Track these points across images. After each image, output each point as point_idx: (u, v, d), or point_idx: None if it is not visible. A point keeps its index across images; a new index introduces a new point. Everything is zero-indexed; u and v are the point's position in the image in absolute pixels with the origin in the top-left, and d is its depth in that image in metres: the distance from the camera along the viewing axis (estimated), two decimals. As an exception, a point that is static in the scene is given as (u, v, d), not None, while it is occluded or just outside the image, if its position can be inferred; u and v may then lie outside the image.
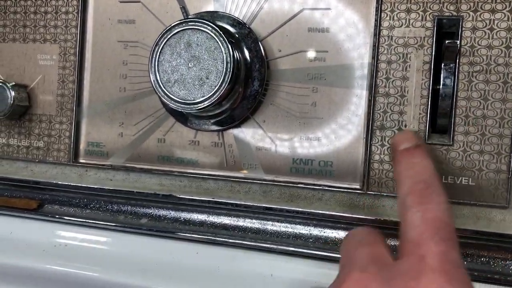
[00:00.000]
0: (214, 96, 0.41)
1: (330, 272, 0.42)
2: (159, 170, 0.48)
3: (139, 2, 0.49)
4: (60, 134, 0.51)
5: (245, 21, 0.45)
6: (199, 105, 0.41)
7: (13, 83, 0.50)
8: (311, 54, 0.44)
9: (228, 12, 0.46)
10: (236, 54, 0.41)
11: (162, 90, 0.42)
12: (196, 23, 0.42)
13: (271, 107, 0.45)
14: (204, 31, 0.41)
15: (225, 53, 0.41)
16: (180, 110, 0.42)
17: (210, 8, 0.46)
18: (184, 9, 0.46)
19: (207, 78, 0.41)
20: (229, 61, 0.41)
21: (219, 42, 0.41)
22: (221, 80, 0.41)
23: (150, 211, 0.48)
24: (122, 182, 0.49)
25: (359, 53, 0.43)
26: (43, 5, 0.51)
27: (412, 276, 0.28)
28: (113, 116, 0.49)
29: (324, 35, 0.43)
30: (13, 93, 0.50)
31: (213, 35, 0.41)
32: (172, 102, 0.42)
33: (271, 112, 0.45)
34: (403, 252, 0.30)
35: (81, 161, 0.51)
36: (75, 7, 0.50)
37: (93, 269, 0.46)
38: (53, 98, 0.51)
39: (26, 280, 0.46)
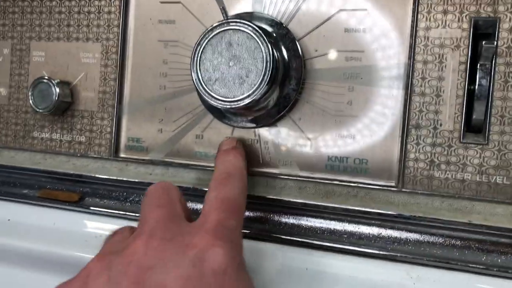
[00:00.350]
0: (254, 94, 0.42)
1: (363, 267, 0.43)
2: (197, 165, 0.49)
3: (179, 3, 0.50)
4: (101, 130, 0.53)
5: (282, 22, 0.46)
6: (239, 102, 0.43)
7: (58, 80, 0.52)
8: (347, 53, 0.45)
9: (266, 13, 0.47)
10: (275, 54, 0.43)
11: (204, 88, 0.44)
12: (237, 24, 0.43)
13: (307, 105, 0.46)
14: (244, 31, 0.43)
15: (264, 53, 0.42)
16: (220, 107, 0.43)
17: (249, 9, 0.48)
18: (223, 10, 0.48)
19: (247, 77, 0.43)
20: (268, 60, 0.42)
21: (259, 42, 0.42)
22: (261, 78, 0.42)
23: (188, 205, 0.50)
24: (161, 176, 0.51)
25: (395, 53, 0.44)
26: (87, 5, 0.53)
27: (190, 234, 0.34)
28: (153, 113, 0.51)
29: (360, 35, 0.45)
30: (58, 90, 0.52)
31: (253, 35, 0.43)
32: (213, 99, 0.43)
33: (307, 110, 0.46)
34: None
35: (122, 155, 0.53)
36: (117, 7, 0.52)
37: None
38: (95, 95, 0.53)
39: (69, 268, 0.48)
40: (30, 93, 0.53)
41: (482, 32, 0.42)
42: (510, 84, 0.41)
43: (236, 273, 0.33)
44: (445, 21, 0.42)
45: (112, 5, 0.52)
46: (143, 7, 0.52)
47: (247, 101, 0.42)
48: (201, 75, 0.44)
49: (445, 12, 0.42)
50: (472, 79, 0.41)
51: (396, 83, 0.44)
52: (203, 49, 0.44)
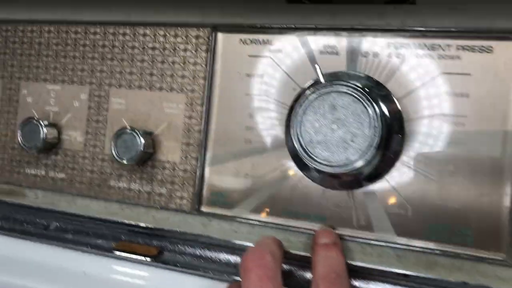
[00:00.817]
0: (361, 159, 0.41)
1: None
2: (284, 225, 0.48)
3: (268, 57, 0.49)
4: (183, 182, 0.52)
5: (380, 81, 0.45)
6: (344, 167, 0.41)
7: (143, 131, 0.52)
8: (449, 118, 0.43)
9: (362, 72, 0.46)
10: (383, 119, 0.41)
11: (304, 150, 0.43)
12: (342, 86, 0.42)
13: (406, 169, 0.44)
14: (350, 94, 0.42)
15: (372, 118, 0.41)
16: (323, 171, 0.42)
17: (343, 68, 0.47)
18: (319, 68, 0.46)
19: (352, 141, 0.42)
20: (377, 126, 0.41)
21: (367, 106, 0.41)
22: (368, 144, 0.41)
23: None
24: (247, 234, 0.49)
25: (501, 120, 0.42)
26: (171, 55, 0.53)
27: None
28: (238, 167, 0.50)
29: (463, 100, 0.43)
30: (143, 141, 0.51)
31: (359, 98, 0.41)
32: (315, 163, 0.42)
33: (407, 174, 0.44)
34: None
35: (204, 210, 0.51)
36: (204, 58, 0.51)
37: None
38: (177, 145, 0.52)
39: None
40: (113, 144, 0.52)
41: None
42: None
43: None
44: (561, 90, 0.40)
45: (199, 56, 0.52)
46: (230, 59, 0.51)
47: (354, 166, 0.41)
48: (301, 136, 0.43)
49: (561, 81, 0.40)
50: None
51: (503, 151, 0.42)
52: (304, 111, 0.43)
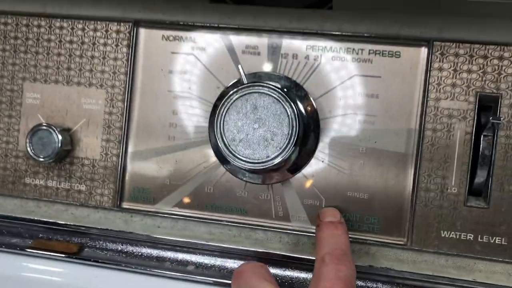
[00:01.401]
0: (279, 156, 0.44)
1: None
2: (208, 219, 0.50)
3: (191, 54, 0.50)
4: (104, 179, 0.51)
5: (299, 82, 0.48)
6: (265, 164, 0.44)
7: (61, 128, 0.50)
8: (360, 117, 0.47)
9: (281, 73, 0.48)
10: (300, 118, 0.44)
11: (227, 148, 0.44)
12: (263, 88, 0.44)
13: (321, 164, 0.48)
14: (271, 95, 0.44)
15: (290, 118, 0.44)
16: (244, 168, 0.44)
17: (262, 68, 0.49)
18: (241, 68, 0.48)
19: (272, 140, 0.44)
20: (294, 125, 0.44)
21: (286, 107, 0.44)
22: (287, 142, 0.44)
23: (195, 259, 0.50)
24: (170, 229, 0.50)
25: (406, 119, 0.47)
26: (90, 49, 0.52)
27: None
28: (161, 164, 0.51)
29: (373, 100, 0.47)
30: (60, 138, 0.50)
31: (279, 100, 0.44)
32: (237, 160, 0.44)
33: (321, 169, 0.48)
34: None
35: (125, 206, 0.51)
36: (125, 54, 0.51)
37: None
38: (97, 142, 0.52)
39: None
40: (28, 141, 0.50)
41: (486, 105, 0.46)
42: (510, 155, 0.45)
43: None
44: (454, 93, 0.46)
45: (119, 51, 0.51)
46: (152, 56, 0.51)
47: (274, 162, 0.44)
48: (224, 135, 0.45)
49: (454, 85, 0.46)
50: (476, 148, 0.45)
51: (407, 147, 0.47)
52: (227, 110, 0.45)
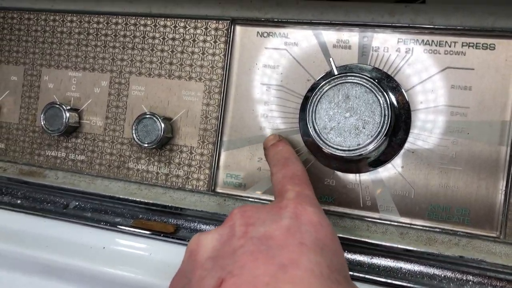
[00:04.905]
0: (371, 145, 0.45)
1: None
2: (296, 205, 0.52)
3: (284, 49, 0.53)
4: (200, 165, 0.55)
5: (390, 74, 0.49)
6: (355, 152, 0.45)
7: (163, 117, 0.55)
8: (453, 108, 0.47)
9: (372, 65, 0.50)
10: (392, 108, 0.45)
11: (318, 135, 0.46)
12: (356, 77, 0.46)
13: (411, 155, 0.49)
14: (363, 85, 0.46)
15: (382, 107, 0.45)
16: (335, 155, 0.46)
17: (354, 61, 0.51)
18: (333, 61, 0.50)
19: (364, 128, 0.45)
20: (386, 114, 0.45)
21: (378, 96, 0.45)
22: (378, 130, 0.45)
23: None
24: (261, 214, 0.53)
25: (501, 111, 0.46)
26: (190, 45, 0.56)
27: (278, 204, 0.40)
28: (252, 152, 0.54)
29: (466, 92, 0.47)
30: (163, 125, 0.54)
31: (371, 89, 0.45)
32: (329, 147, 0.46)
33: (411, 160, 0.49)
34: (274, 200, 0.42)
35: (219, 191, 0.55)
36: (222, 50, 0.55)
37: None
38: (195, 131, 0.56)
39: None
40: (134, 128, 0.55)
41: None
42: None
43: (331, 226, 0.38)
44: (552, 85, 0.45)
45: (217, 47, 0.55)
46: (247, 51, 0.54)
47: (366, 150, 0.45)
48: (316, 123, 0.47)
49: (552, 77, 0.45)
50: None
51: (500, 139, 0.46)
52: (319, 99, 0.47)
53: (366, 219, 0.50)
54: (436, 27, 0.47)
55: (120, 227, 0.56)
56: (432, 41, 0.48)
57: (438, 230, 0.47)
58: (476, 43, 0.47)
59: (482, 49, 0.47)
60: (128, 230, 0.56)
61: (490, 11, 0.46)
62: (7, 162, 0.64)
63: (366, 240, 0.49)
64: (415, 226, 0.48)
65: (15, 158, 0.63)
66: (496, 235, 0.46)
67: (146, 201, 0.57)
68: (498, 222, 0.46)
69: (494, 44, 0.46)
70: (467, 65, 0.47)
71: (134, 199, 0.57)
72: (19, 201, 0.62)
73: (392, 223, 0.49)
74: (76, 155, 0.60)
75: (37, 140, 0.62)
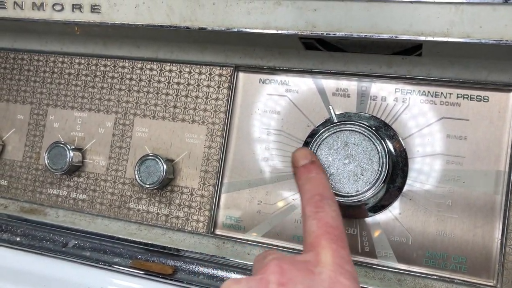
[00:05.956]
0: (369, 191, 0.46)
1: None
2: (295, 249, 0.52)
3: (285, 96, 0.55)
4: (200, 206, 0.56)
5: (387, 122, 0.51)
6: (354, 198, 0.46)
7: (165, 158, 0.56)
8: (448, 157, 0.49)
9: (370, 113, 0.51)
10: (390, 156, 0.47)
11: (318, 181, 0.47)
12: (354, 125, 0.47)
13: (408, 202, 0.49)
14: (361, 133, 0.47)
15: (381, 154, 0.46)
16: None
17: (353, 109, 0.52)
18: (332, 109, 0.52)
19: (362, 175, 0.47)
20: (384, 161, 0.46)
21: (376, 145, 0.46)
22: (376, 177, 0.46)
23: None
24: (259, 257, 0.53)
25: (495, 161, 0.48)
26: (195, 90, 0.58)
27: (312, 262, 0.36)
28: (252, 194, 0.54)
29: (462, 142, 0.49)
30: (165, 167, 0.55)
31: (369, 137, 0.47)
32: (328, 192, 0.47)
33: (408, 206, 0.49)
34: (304, 251, 0.39)
35: (218, 233, 0.55)
36: (225, 95, 0.57)
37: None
38: (196, 172, 0.57)
39: None
40: (136, 168, 0.56)
41: None
42: None
43: None
44: (544, 137, 0.46)
45: (220, 92, 0.57)
46: (250, 97, 0.56)
47: (363, 197, 0.46)
48: (316, 168, 0.48)
49: (544, 129, 0.46)
50: None
51: (495, 188, 0.47)
52: (319, 146, 0.48)
53: (364, 264, 0.50)
54: (432, 78, 0.49)
55: (118, 267, 0.56)
56: (428, 91, 0.50)
57: (435, 277, 0.48)
58: (471, 95, 0.49)
59: (476, 100, 0.48)
60: (127, 270, 0.56)
61: (483, 65, 0.48)
62: (9, 199, 0.64)
63: (365, 286, 0.49)
64: (412, 273, 0.49)
65: (17, 196, 0.64)
66: (493, 283, 0.46)
67: (145, 241, 0.57)
68: (494, 270, 0.47)
69: (487, 96, 0.48)
70: (462, 116, 0.49)
71: (134, 239, 0.58)
72: (18, 239, 0.62)
73: (390, 269, 0.49)
74: (78, 194, 0.61)
75: (39, 178, 0.63)
